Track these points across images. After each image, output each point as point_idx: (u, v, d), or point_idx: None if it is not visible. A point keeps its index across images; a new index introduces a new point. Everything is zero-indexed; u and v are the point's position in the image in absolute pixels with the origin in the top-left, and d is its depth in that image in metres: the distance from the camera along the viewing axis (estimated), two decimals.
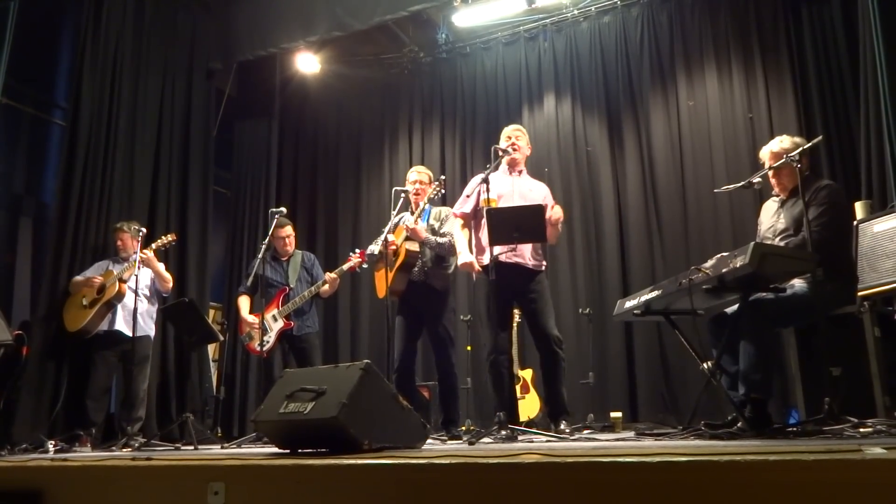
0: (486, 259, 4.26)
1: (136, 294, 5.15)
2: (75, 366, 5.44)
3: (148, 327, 5.49)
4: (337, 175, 8.23)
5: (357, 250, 5.32)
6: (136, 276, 5.18)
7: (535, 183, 4.66)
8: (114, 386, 5.69)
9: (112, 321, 5.35)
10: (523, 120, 7.10)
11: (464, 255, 4.46)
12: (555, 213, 4.32)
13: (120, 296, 5.29)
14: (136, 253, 5.25)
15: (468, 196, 4.55)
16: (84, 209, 5.78)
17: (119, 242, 5.55)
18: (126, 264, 5.38)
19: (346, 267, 5.38)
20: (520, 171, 4.60)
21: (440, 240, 4.67)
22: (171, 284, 5.62)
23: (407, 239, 4.68)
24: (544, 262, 4.48)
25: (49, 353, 5.39)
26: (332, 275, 5.46)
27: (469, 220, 4.54)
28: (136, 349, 5.21)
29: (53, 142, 6.73)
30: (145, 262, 5.34)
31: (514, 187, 4.47)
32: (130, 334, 5.16)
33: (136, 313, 5.08)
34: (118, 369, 5.50)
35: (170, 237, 5.50)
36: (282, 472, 2.15)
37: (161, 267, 5.53)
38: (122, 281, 5.27)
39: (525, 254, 4.32)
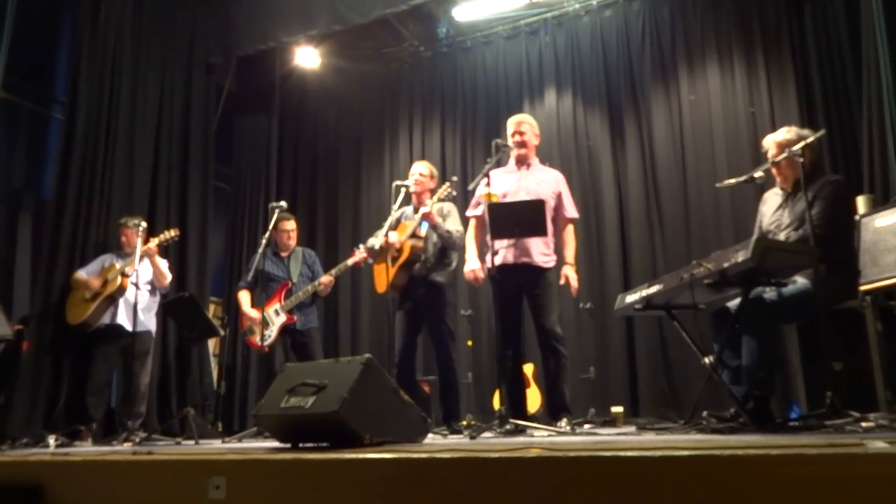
0: (496, 260, 4.26)
1: (138, 288, 5.14)
2: (76, 361, 5.42)
3: (149, 322, 5.48)
4: (337, 169, 8.22)
5: (361, 245, 5.30)
6: (137, 270, 5.16)
7: (544, 175, 4.53)
8: (115, 381, 5.69)
9: (114, 315, 5.33)
10: None
11: (469, 262, 4.45)
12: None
13: (122, 290, 5.28)
14: (146, 246, 5.21)
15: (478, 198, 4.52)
16: (83, 204, 5.76)
17: (123, 238, 5.54)
18: (129, 259, 5.37)
19: (350, 262, 5.35)
20: (528, 165, 4.50)
21: (450, 227, 4.64)
22: (168, 281, 5.59)
23: (411, 236, 4.67)
24: (554, 258, 4.40)
25: (49, 348, 5.38)
26: (329, 277, 5.46)
27: (483, 221, 4.43)
28: (137, 344, 5.21)
29: (53, 137, 6.73)
30: (147, 256, 5.32)
31: (520, 184, 4.40)
32: (131, 329, 5.16)
33: (136, 308, 5.07)
34: (118, 364, 5.49)
35: (173, 233, 5.46)
36: (283, 466, 2.15)
37: (162, 264, 5.51)
38: (124, 276, 5.26)
39: (532, 252, 4.27)
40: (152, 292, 5.55)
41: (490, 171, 4.11)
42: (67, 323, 5.32)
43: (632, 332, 6.38)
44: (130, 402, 5.25)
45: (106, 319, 5.32)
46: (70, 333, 5.34)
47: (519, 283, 4.27)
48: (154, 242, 5.32)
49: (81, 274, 5.40)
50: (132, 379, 5.29)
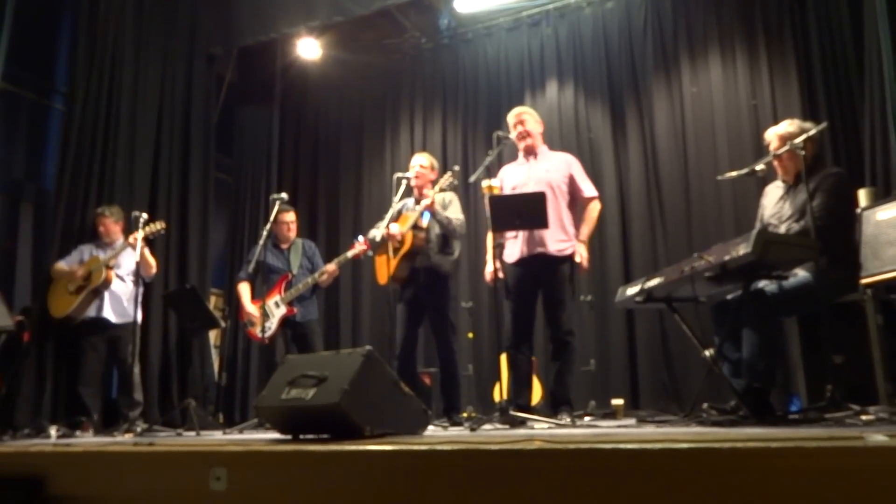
0: (511, 254, 4.25)
1: (127, 280, 5.11)
2: (68, 353, 5.42)
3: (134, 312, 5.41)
4: (338, 161, 8.20)
5: (361, 237, 5.29)
6: (137, 262, 5.14)
7: (553, 161, 4.52)
8: (115, 371, 5.69)
9: (100, 308, 5.32)
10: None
11: (490, 265, 4.44)
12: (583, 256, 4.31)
13: (107, 283, 5.25)
14: (132, 238, 5.16)
15: None
16: (82, 195, 5.75)
17: (101, 228, 5.50)
18: (111, 251, 5.35)
19: (350, 254, 5.35)
20: (536, 154, 4.51)
21: (451, 216, 4.63)
22: (154, 270, 5.54)
23: (413, 227, 4.66)
24: (572, 244, 4.36)
25: (42, 340, 5.37)
26: (332, 266, 5.45)
27: None
28: (123, 335, 5.21)
29: (53, 127, 6.72)
30: (132, 247, 5.24)
31: (529, 175, 4.41)
32: (115, 321, 5.17)
33: (137, 300, 5.05)
34: (105, 355, 5.47)
35: (159, 225, 5.33)
36: (284, 457, 2.15)
37: (147, 252, 5.42)
38: (108, 267, 5.23)
39: (546, 240, 4.25)
40: (136, 283, 5.46)
41: (490, 163, 4.12)
42: (51, 315, 5.30)
43: (632, 324, 6.37)
44: (127, 393, 5.24)
45: (91, 312, 5.30)
46: (56, 326, 5.32)
47: (535, 277, 4.27)
48: (139, 235, 5.18)
49: (63, 265, 5.38)
50: (123, 370, 5.30)
